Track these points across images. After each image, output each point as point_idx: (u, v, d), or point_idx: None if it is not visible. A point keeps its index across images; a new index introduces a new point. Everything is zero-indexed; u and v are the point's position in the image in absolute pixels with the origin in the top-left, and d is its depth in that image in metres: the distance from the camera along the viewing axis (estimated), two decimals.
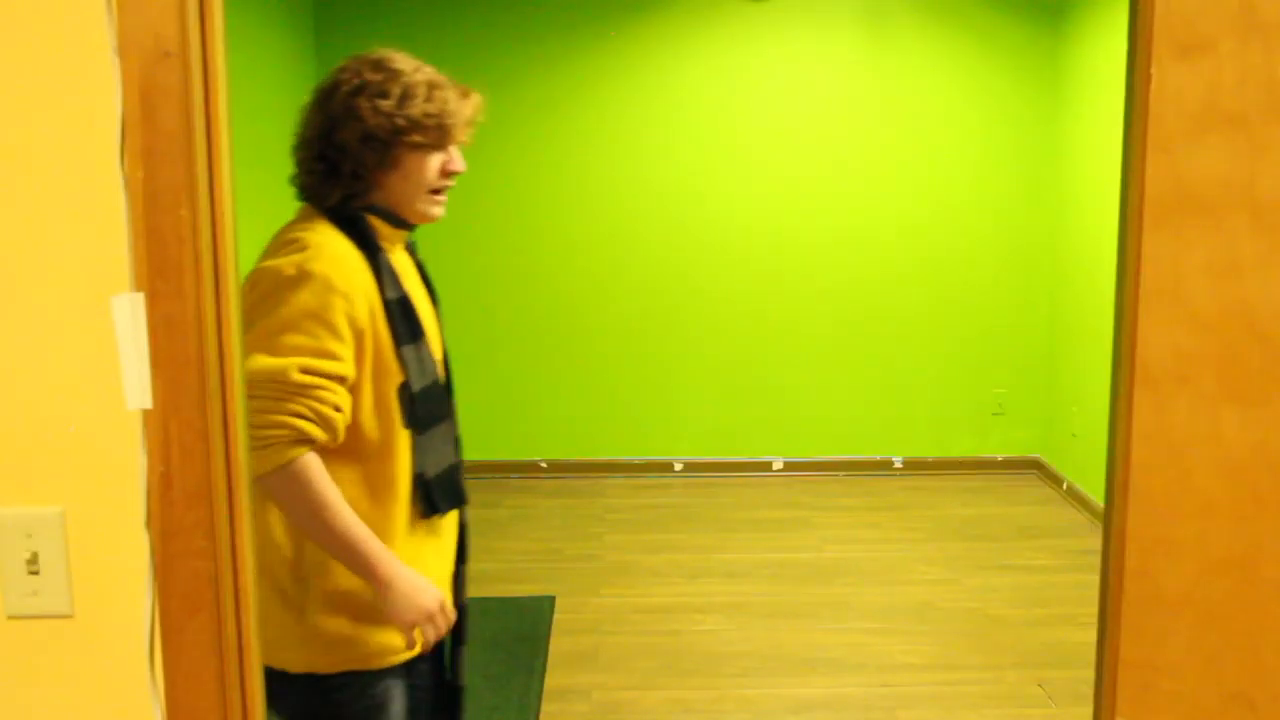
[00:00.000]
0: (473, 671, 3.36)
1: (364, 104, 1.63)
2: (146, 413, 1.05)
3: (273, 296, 1.57)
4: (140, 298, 1.03)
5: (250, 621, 1.12)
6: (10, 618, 1.09)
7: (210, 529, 1.07)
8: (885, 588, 4.08)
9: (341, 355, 1.58)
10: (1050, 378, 5.41)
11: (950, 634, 3.68)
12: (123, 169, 1.03)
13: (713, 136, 5.27)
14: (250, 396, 1.50)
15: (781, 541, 4.54)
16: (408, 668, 1.75)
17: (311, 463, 1.57)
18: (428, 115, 1.65)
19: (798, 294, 5.38)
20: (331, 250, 1.61)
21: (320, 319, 1.56)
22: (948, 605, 3.92)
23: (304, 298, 1.56)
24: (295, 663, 1.65)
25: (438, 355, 1.77)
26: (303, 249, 1.60)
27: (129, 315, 1.04)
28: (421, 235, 1.81)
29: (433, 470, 1.72)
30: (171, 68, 1.01)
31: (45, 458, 1.06)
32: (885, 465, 5.49)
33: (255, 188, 4.35)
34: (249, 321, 1.55)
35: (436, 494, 1.72)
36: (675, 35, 5.21)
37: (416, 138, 1.65)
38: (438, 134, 1.67)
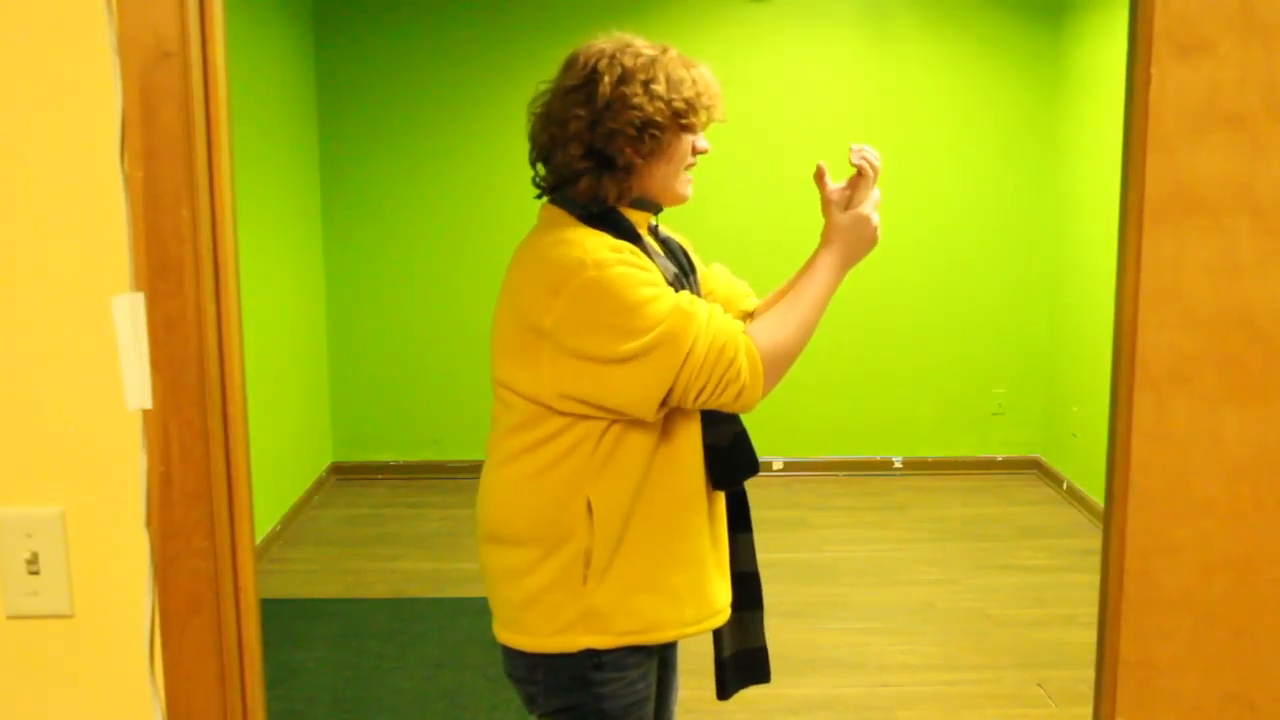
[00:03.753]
0: (473, 671, 3.36)
1: (636, 90, 1.58)
2: (146, 413, 1.05)
3: (602, 295, 1.52)
4: (140, 298, 1.03)
5: (250, 621, 1.12)
6: (10, 618, 1.09)
7: (210, 529, 1.07)
8: (885, 588, 4.08)
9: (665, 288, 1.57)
10: (1050, 378, 5.41)
11: (950, 634, 3.68)
12: (123, 169, 1.03)
13: (711, 136, 5.25)
14: (697, 374, 1.54)
15: (781, 541, 4.54)
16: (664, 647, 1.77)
17: (750, 345, 1.61)
18: (699, 96, 1.64)
19: None
20: (604, 239, 1.58)
21: (647, 281, 1.54)
22: (948, 605, 3.92)
23: (621, 274, 1.52)
24: (571, 644, 1.61)
25: None
26: (580, 247, 1.55)
27: (129, 315, 1.04)
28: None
29: (721, 440, 1.69)
30: (171, 68, 1.01)
31: (45, 458, 1.07)
32: (885, 465, 5.49)
33: (255, 188, 4.36)
34: (583, 328, 1.52)
35: (733, 463, 1.70)
36: (675, 35, 5.20)
37: (691, 120, 1.64)
38: (707, 114, 1.67)
